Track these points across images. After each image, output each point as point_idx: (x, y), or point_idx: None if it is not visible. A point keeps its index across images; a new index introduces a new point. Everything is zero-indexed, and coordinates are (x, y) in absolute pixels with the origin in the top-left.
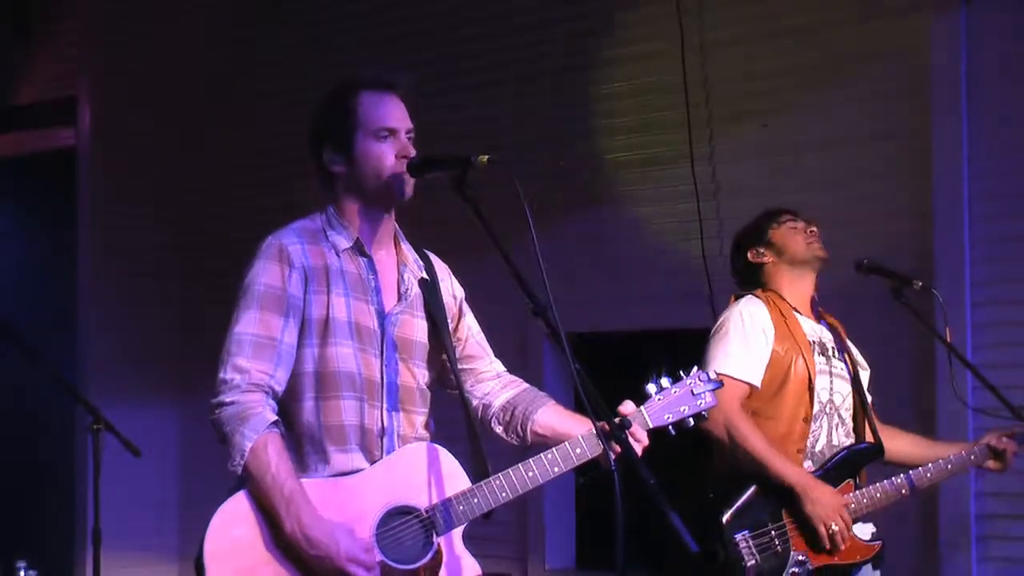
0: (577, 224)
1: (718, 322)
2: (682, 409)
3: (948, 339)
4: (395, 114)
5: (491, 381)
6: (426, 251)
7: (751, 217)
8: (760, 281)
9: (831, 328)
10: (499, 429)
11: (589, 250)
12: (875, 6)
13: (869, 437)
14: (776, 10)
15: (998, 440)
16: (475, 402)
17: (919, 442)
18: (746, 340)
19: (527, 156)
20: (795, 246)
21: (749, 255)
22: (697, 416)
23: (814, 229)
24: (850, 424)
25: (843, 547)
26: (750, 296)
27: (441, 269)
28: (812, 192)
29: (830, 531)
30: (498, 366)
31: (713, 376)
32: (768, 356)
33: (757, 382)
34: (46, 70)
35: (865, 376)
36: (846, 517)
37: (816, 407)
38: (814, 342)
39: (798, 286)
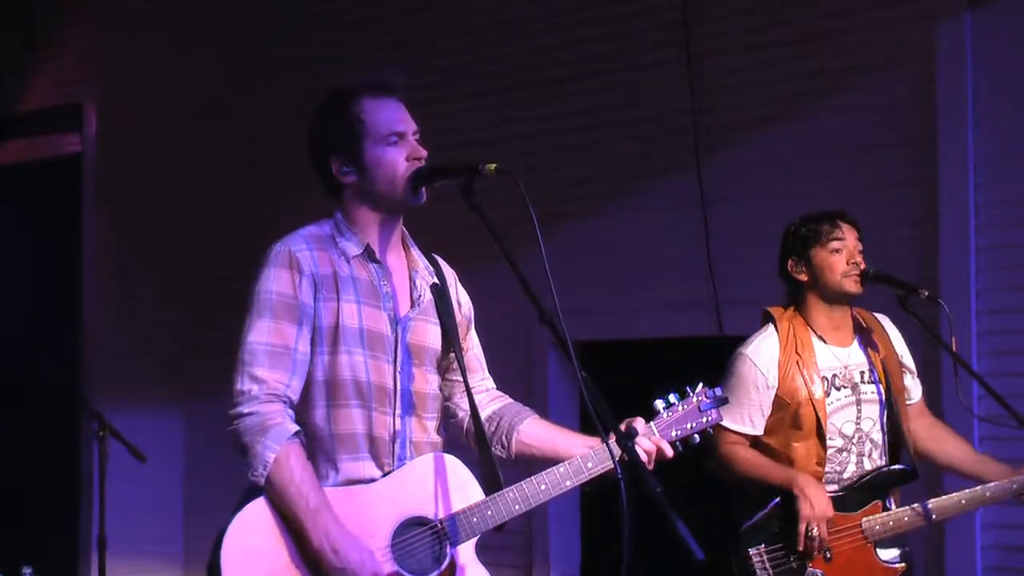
0: (584, 232)
1: (734, 354)
2: (689, 426)
3: (954, 348)
4: (401, 117)
5: (480, 395)
6: (435, 256)
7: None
8: (796, 292)
9: (868, 344)
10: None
11: (596, 258)
12: (880, 14)
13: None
14: (782, 18)
15: None
16: (461, 414)
17: (968, 453)
18: (744, 390)
19: (533, 164)
20: (830, 276)
21: (789, 264)
22: (703, 433)
23: (857, 261)
24: (884, 446)
25: (816, 555)
26: (768, 327)
27: (449, 275)
28: (818, 199)
29: (809, 533)
30: (489, 383)
31: (719, 393)
32: (771, 401)
33: (756, 430)
34: (52, 77)
35: (913, 383)
36: (828, 529)
37: (838, 443)
38: (834, 375)
39: (829, 313)
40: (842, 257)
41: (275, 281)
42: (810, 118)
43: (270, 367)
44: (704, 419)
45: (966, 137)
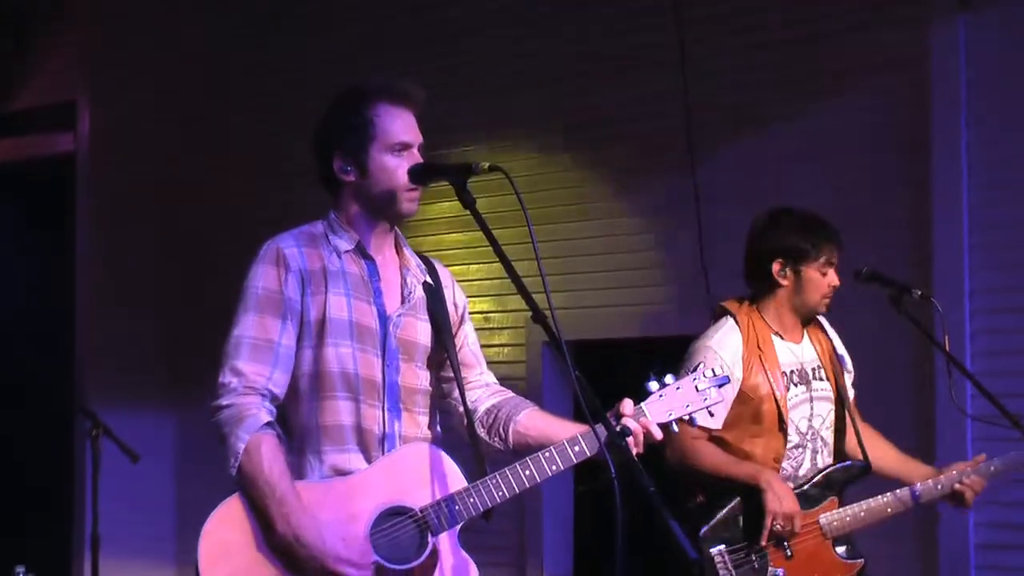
0: (578, 231)
1: (694, 346)
2: (686, 406)
3: (947, 348)
4: (411, 129)
5: (479, 389)
6: (431, 259)
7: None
8: (764, 289)
9: (815, 341)
10: (482, 432)
11: (590, 257)
12: (874, 16)
13: (857, 454)
14: (775, 20)
15: (961, 476)
16: (462, 408)
17: (893, 455)
18: None
19: (528, 165)
20: (810, 296)
21: (774, 267)
22: (703, 413)
23: (836, 284)
24: (832, 444)
25: (778, 551)
26: (728, 321)
27: (445, 276)
28: (812, 200)
29: (774, 526)
30: (488, 377)
31: (719, 372)
32: (734, 395)
33: (716, 424)
34: (45, 75)
35: (849, 379)
36: (796, 523)
37: (795, 439)
38: (792, 372)
39: (789, 317)
40: (827, 281)
41: (262, 277)
42: (804, 119)
43: (250, 360)
44: (704, 399)
45: (959, 138)
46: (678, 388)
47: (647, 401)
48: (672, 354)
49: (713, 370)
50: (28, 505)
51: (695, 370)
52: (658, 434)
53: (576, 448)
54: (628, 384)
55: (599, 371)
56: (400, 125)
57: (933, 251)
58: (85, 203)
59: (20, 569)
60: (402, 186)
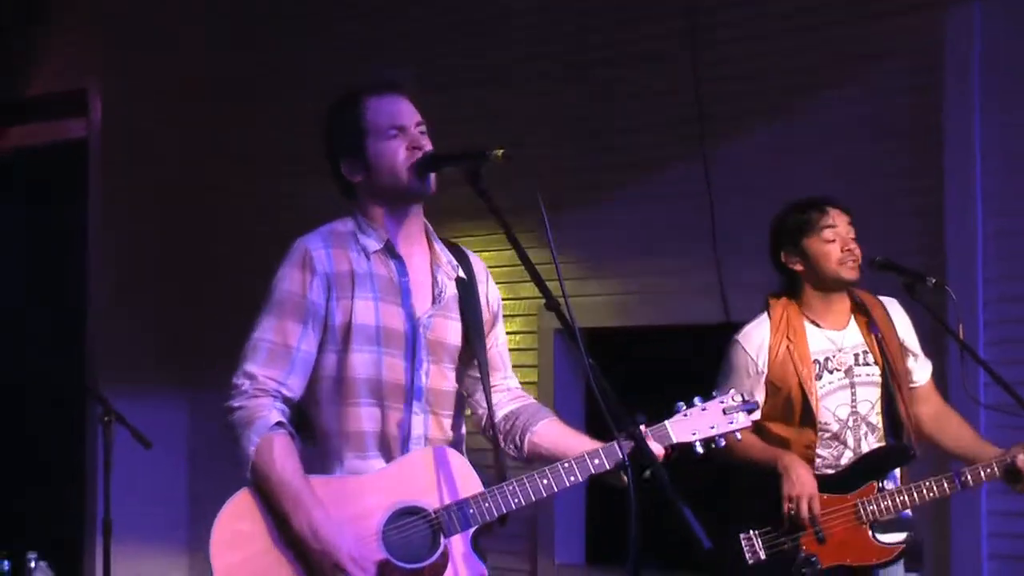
0: (590, 220)
1: (729, 341)
2: (712, 428)
3: (960, 336)
4: (401, 111)
5: (501, 393)
6: (466, 251)
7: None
8: (791, 282)
9: (865, 326)
10: (499, 437)
11: (602, 246)
12: (887, 2)
13: (932, 437)
14: (787, 6)
15: (1015, 455)
16: (481, 411)
17: (969, 438)
18: (737, 376)
19: (539, 153)
20: (826, 265)
21: (782, 255)
22: (728, 436)
23: (852, 247)
24: (881, 429)
25: (807, 534)
26: (763, 314)
27: (480, 270)
28: (825, 188)
29: (790, 512)
30: (512, 382)
31: (748, 397)
32: (763, 386)
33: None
34: (57, 62)
35: (918, 365)
36: (813, 506)
37: (834, 427)
38: (826, 359)
39: (825, 299)
40: (836, 245)
41: (287, 279)
42: (816, 106)
43: (265, 364)
44: (731, 422)
45: (973, 125)
46: (704, 409)
47: (671, 420)
48: (683, 341)
49: (743, 395)
50: (40, 492)
51: (724, 393)
52: (659, 451)
53: (596, 460)
54: (640, 371)
55: (612, 358)
56: (389, 110)
57: (946, 240)
58: (97, 190)
59: (32, 555)
60: (404, 165)
